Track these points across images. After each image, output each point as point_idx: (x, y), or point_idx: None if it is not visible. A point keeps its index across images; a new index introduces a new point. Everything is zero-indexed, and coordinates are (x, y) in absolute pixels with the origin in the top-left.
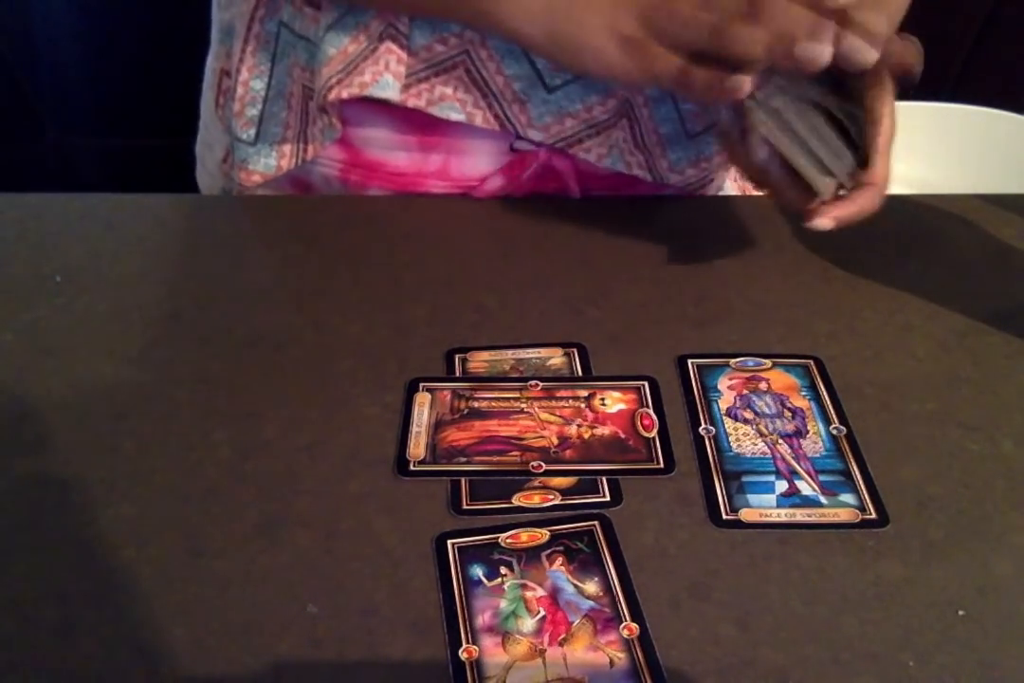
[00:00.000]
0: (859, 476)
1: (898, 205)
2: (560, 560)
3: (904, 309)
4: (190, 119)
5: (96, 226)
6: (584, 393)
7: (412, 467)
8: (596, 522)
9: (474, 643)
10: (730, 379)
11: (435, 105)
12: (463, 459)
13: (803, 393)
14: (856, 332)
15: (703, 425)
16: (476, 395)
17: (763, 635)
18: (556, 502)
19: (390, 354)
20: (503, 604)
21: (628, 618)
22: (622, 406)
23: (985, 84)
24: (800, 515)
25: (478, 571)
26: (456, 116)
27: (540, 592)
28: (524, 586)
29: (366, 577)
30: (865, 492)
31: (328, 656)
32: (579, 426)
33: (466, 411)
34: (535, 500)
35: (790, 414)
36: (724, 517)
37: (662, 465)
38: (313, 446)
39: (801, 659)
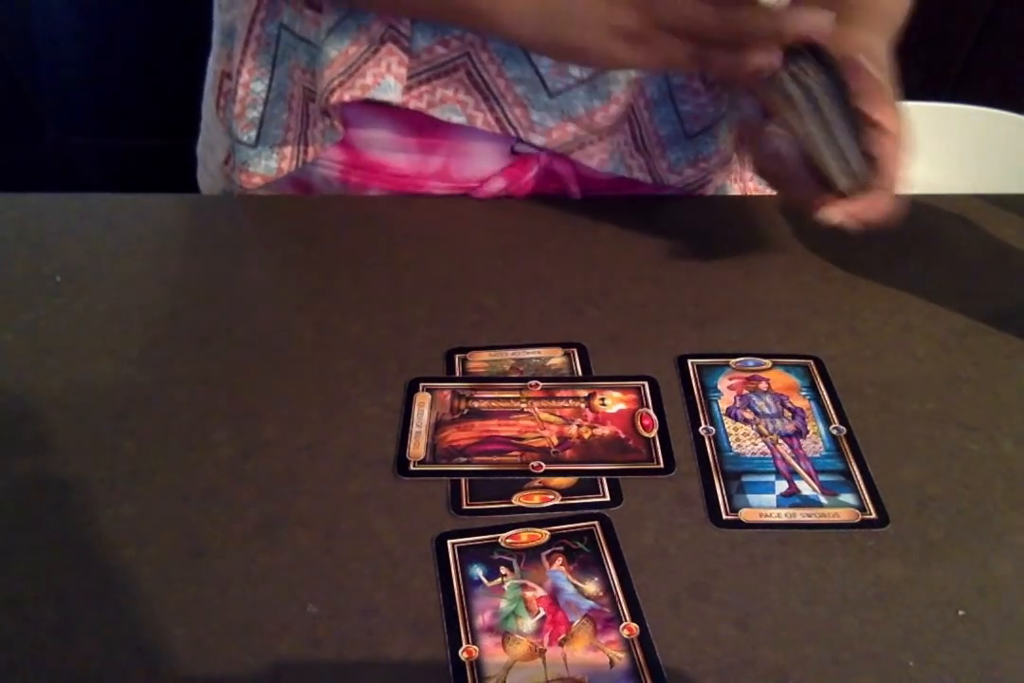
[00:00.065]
0: (859, 476)
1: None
2: (560, 560)
3: (904, 309)
4: (190, 120)
5: (96, 226)
6: (584, 393)
7: (412, 467)
8: (596, 522)
9: (474, 643)
10: (730, 379)
11: (436, 107)
12: (463, 459)
13: (803, 393)
14: (856, 332)
15: (703, 425)
16: (476, 395)
17: (763, 635)
18: (556, 502)
19: (390, 354)
20: (503, 604)
21: (628, 618)
22: (622, 406)
23: (985, 84)
24: (800, 515)
25: (478, 571)
26: (457, 118)
27: (540, 592)
28: (524, 586)
29: (366, 577)
30: (865, 492)
31: (328, 656)
32: (579, 426)
33: (466, 411)
34: (535, 500)
35: (790, 414)
36: (724, 517)
37: (662, 465)
38: (313, 446)
39: (801, 659)
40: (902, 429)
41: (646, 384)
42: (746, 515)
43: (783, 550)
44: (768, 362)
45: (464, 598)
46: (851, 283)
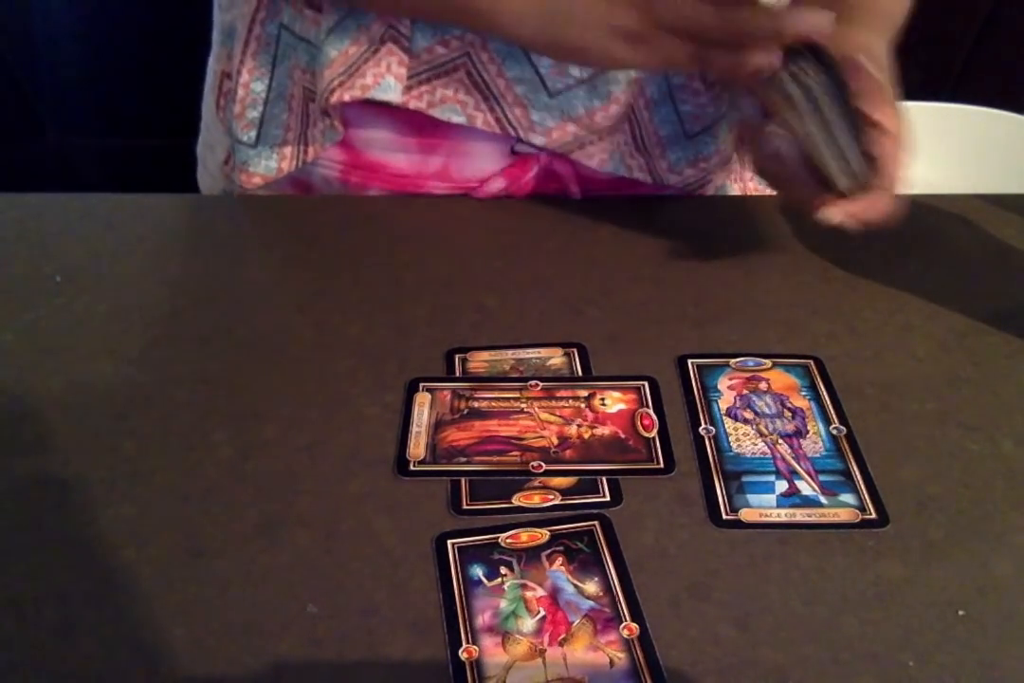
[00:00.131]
0: (859, 476)
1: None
2: (560, 560)
3: (904, 309)
4: (190, 119)
5: (96, 226)
6: (584, 393)
7: (412, 467)
8: (596, 522)
9: (474, 643)
10: (730, 379)
11: (436, 107)
12: (463, 459)
13: (803, 393)
14: (856, 332)
15: (703, 425)
16: (476, 395)
17: (763, 635)
18: (556, 502)
19: (390, 354)
20: (503, 604)
21: (628, 618)
22: (622, 406)
23: (985, 84)
24: (800, 515)
25: (478, 571)
26: (457, 118)
27: (540, 592)
28: (524, 586)
29: (366, 577)
30: (865, 492)
31: (328, 656)
32: (579, 426)
33: (466, 411)
34: (535, 500)
35: (790, 414)
36: (724, 517)
37: (662, 465)
38: (313, 446)
39: (801, 659)
40: (902, 429)
41: (646, 384)
42: (746, 515)
43: (783, 550)
44: (768, 362)
45: (464, 598)
46: (851, 283)
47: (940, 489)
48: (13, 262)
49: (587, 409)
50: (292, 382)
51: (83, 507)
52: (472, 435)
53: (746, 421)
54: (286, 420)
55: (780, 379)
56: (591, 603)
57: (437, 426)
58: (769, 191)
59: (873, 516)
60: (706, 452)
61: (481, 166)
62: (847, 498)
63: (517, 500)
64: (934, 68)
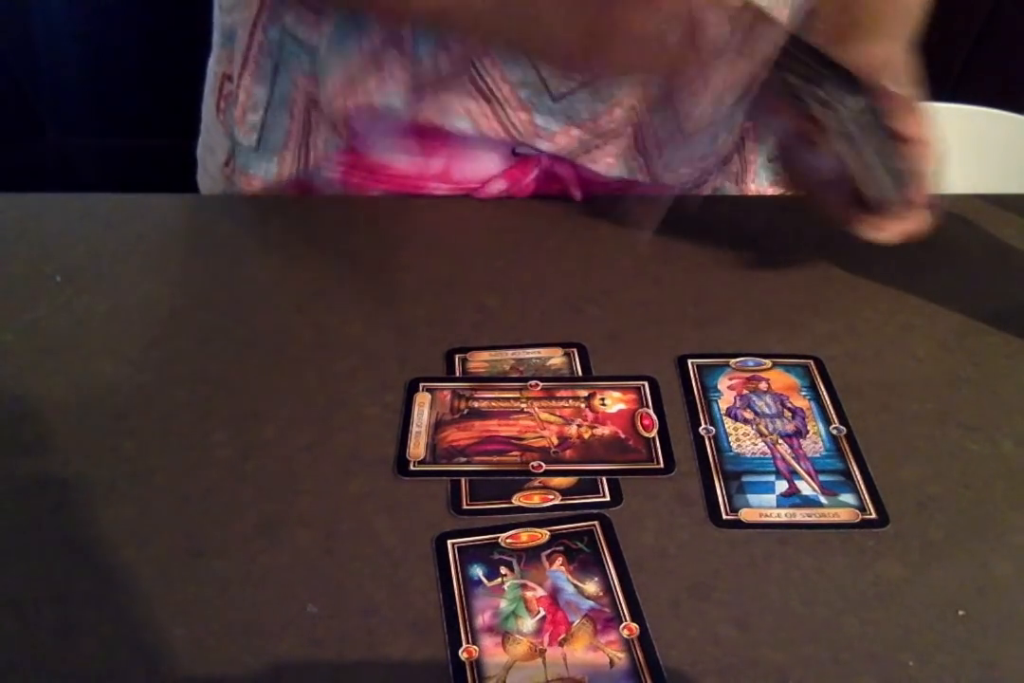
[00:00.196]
0: (859, 476)
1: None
2: (560, 560)
3: (904, 309)
4: (190, 120)
5: (96, 226)
6: (584, 393)
7: (412, 467)
8: (596, 522)
9: (474, 643)
10: (730, 379)
11: (444, 117)
12: (463, 459)
13: (803, 393)
14: (856, 332)
15: (703, 425)
16: (476, 395)
17: (763, 635)
18: (556, 502)
19: (390, 354)
20: (503, 604)
21: (628, 618)
22: (622, 406)
23: (985, 84)
24: (800, 515)
25: (478, 571)
26: (465, 126)
27: (540, 592)
28: (524, 586)
29: (366, 577)
30: (865, 492)
31: (328, 656)
32: (579, 426)
33: (466, 411)
34: (535, 500)
35: (790, 414)
36: (724, 517)
37: (662, 465)
38: (313, 446)
39: (801, 659)
40: (902, 429)
41: (646, 384)
42: (746, 515)
43: (783, 550)
44: (768, 362)
45: (464, 598)
46: (851, 283)
47: (940, 489)
48: (13, 262)
49: (587, 409)
50: (292, 382)
51: (83, 507)
52: (472, 435)
53: (746, 421)
54: (286, 420)
55: (780, 379)
56: (591, 603)
57: (437, 426)
58: (769, 191)
59: (873, 516)
60: (706, 452)
61: (482, 168)
62: (847, 498)
63: (517, 500)
64: (934, 68)
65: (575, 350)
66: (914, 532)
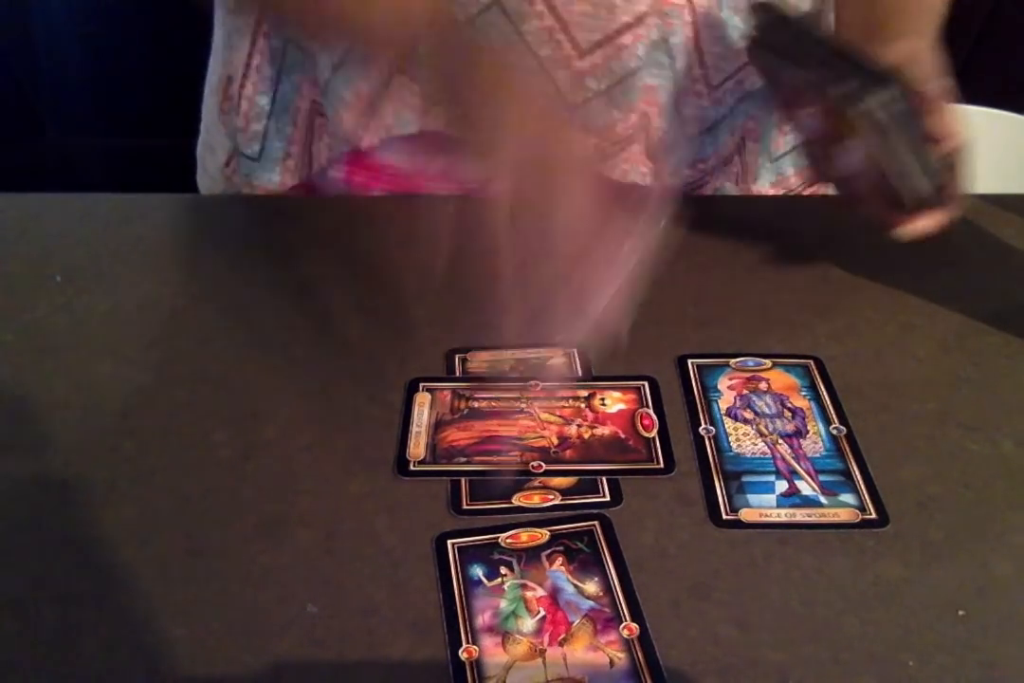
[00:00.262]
0: (859, 476)
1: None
2: (560, 560)
3: (904, 309)
4: (191, 120)
5: (96, 226)
6: (584, 393)
7: (412, 467)
8: (596, 522)
9: (474, 643)
10: (730, 379)
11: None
12: (463, 459)
13: (803, 393)
14: (856, 332)
15: (703, 425)
16: (476, 395)
17: (763, 635)
18: (556, 502)
19: (390, 354)
20: (503, 604)
21: (628, 618)
22: (622, 406)
23: (985, 84)
24: (800, 515)
25: (478, 571)
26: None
27: (540, 592)
28: (524, 586)
29: (366, 577)
30: (865, 492)
31: (328, 656)
32: (579, 426)
33: (466, 411)
34: (535, 500)
35: (790, 414)
36: (724, 517)
37: (662, 465)
38: (313, 446)
39: (801, 659)
40: (902, 429)
41: (646, 384)
42: (746, 515)
43: (783, 550)
44: (768, 362)
45: (464, 598)
46: (851, 283)
47: (940, 489)
48: (13, 262)
49: (587, 409)
50: (292, 382)
51: (83, 507)
52: (472, 435)
53: (746, 421)
54: (286, 420)
55: (780, 379)
56: (591, 603)
57: (437, 426)
58: (770, 192)
59: (873, 516)
60: (706, 452)
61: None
62: (847, 498)
63: (517, 500)
64: None
65: (575, 350)
66: (914, 532)
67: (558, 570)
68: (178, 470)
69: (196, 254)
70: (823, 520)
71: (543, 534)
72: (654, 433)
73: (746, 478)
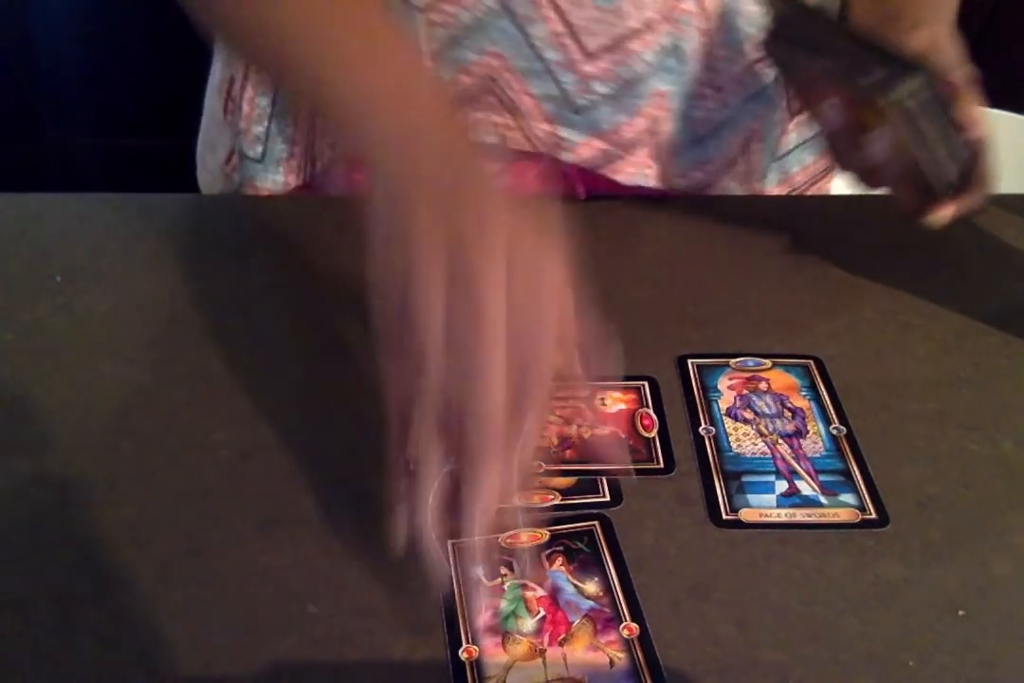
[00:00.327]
0: (859, 476)
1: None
2: (560, 560)
3: (904, 309)
4: (191, 119)
5: (96, 226)
6: (584, 393)
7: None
8: (596, 522)
9: (474, 643)
10: (730, 379)
11: (472, 131)
12: None
13: (803, 393)
14: (856, 332)
15: (703, 425)
16: None
17: (763, 635)
18: (556, 502)
19: None
20: (503, 604)
21: (628, 618)
22: (622, 406)
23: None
24: (800, 515)
25: (478, 571)
26: (492, 140)
27: (540, 592)
28: (524, 586)
29: (366, 577)
30: (865, 492)
31: (328, 656)
32: (579, 426)
33: None
34: (535, 500)
35: (790, 414)
36: (724, 517)
37: (662, 465)
38: (313, 446)
39: (801, 659)
40: (902, 429)
41: (646, 384)
42: (746, 515)
43: (783, 550)
44: (768, 362)
45: (464, 598)
46: (851, 283)
47: (940, 489)
48: (13, 262)
49: (587, 409)
50: (292, 382)
51: (83, 507)
52: None
53: (746, 421)
54: (286, 420)
55: (780, 379)
56: (591, 603)
57: None
58: (775, 191)
59: (873, 516)
60: (706, 452)
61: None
62: (847, 498)
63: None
64: None
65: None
66: (914, 532)
67: (558, 570)
68: (178, 470)
69: (196, 254)
70: (823, 520)
71: (543, 534)
72: (654, 433)
73: (746, 478)
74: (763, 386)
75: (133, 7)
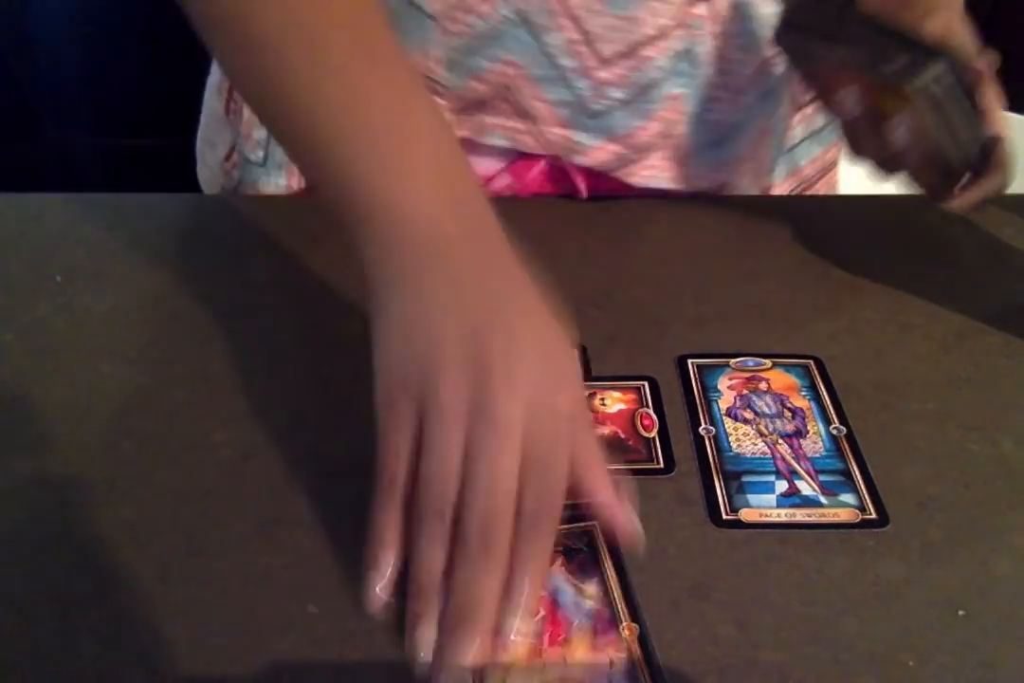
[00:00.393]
0: (859, 476)
1: (898, 205)
2: (559, 561)
3: (904, 309)
4: (190, 119)
5: (96, 226)
6: (584, 393)
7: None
8: (596, 522)
9: None
10: (730, 379)
11: (483, 135)
12: None
13: (803, 393)
14: (856, 332)
15: (703, 425)
16: None
17: (763, 635)
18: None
19: None
20: None
21: (628, 618)
22: (622, 406)
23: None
24: (800, 515)
25: None
26: (503, 143)
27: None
28: None
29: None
30: (865, 492)
31: (328, 656)
32: None
33: None
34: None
35: (790, 414)
36: (724, 517)
37: (662, 465)
38: (313, 446)
39: (801, 659)
40: (902, 429)
41: (646, 384)
42: (746, 515)
43: (783, 550)
44: (768, 362)
45: None
46: (851, 283)
47: (940, 489)
48: (13, 262)
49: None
50: (292, 382)
51: (83, 507)
52: None
53: (746, 421)
54: (286, 420)
55: (780, 379)
56: (591, 604)
57: None
58: (785, 185)
59: (873, 516)
60: (706, 452)
61: (487, 163)
62: (847, 498)
63: None
64: None
65: (575, 351)
66: (914, 532)
67: (557, 571)
68: (178, 470)
69: (196, 254)
70: (823, 520)
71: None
72: (654, 433)
73: (746, 478)
74: (763, 386)
75: (133, 7)
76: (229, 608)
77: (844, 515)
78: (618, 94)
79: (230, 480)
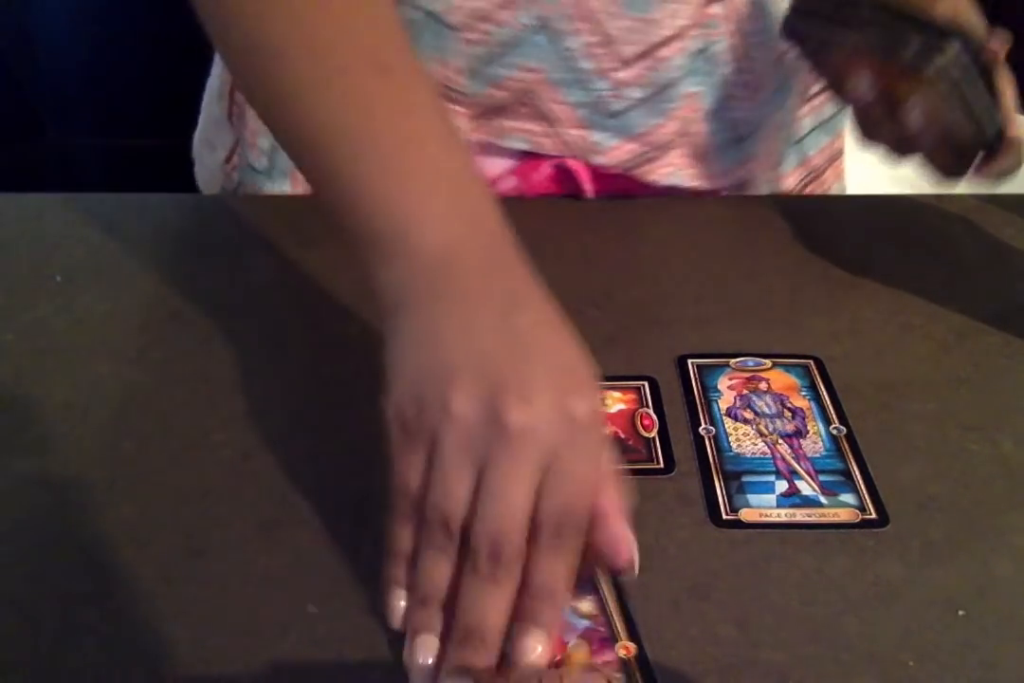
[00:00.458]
0: (859, 476)
1: (898, 205)
2: None
3: (904, 309)
4: (191, 119)
5: (96, 226)
6: None
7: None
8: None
9: None
10: (730, 379)
11: (502, 138)
12: None
13: (803, 393)
14: (856, 332)
15: (703, 425)
16: None
17: (763, 635)
18: None
19: None
20: None
21: (625, 637)
22: (622, 406)
23: None
24: (800, 515)
25: None
26: (522, 146)
27: None
28: None
29: (366, 577)
30: (865, 492)
31: (328, 656)
32: None
33: None
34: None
35: (790, 414)
36: (724, 517)
37: (662, 465)
38: (313, 446)
39: (801, 659)
40: (902, 429)
41: (646, 384)
42: (746, 515)
43: (783, 550)
44: (768, 362)
45: None
46: (851, 283)
47: (940, 489)
48: (13, 262)
49: None
50: (292, 382)
51: (83, 507)
52: None
53: (746, 421)
54: (286, 420)
55: (780, 379)
56: (586, 622)
57: None
58: (796, 175)
59: (873, 516)
60: (706, 452)
61: (493, 164)
62: (847, 498)
63: None
64: None
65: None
66: (914, 532)
67: None
68: (178, 470)
69: (196, 254)
70: (823, 520)
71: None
72: (654, 433)
73: (746, 478)
74: (763, 386)
75: (133, 7)
76: (229, 608)
77: (844, 515)
78: (637, 93)
79: (230, 480)
